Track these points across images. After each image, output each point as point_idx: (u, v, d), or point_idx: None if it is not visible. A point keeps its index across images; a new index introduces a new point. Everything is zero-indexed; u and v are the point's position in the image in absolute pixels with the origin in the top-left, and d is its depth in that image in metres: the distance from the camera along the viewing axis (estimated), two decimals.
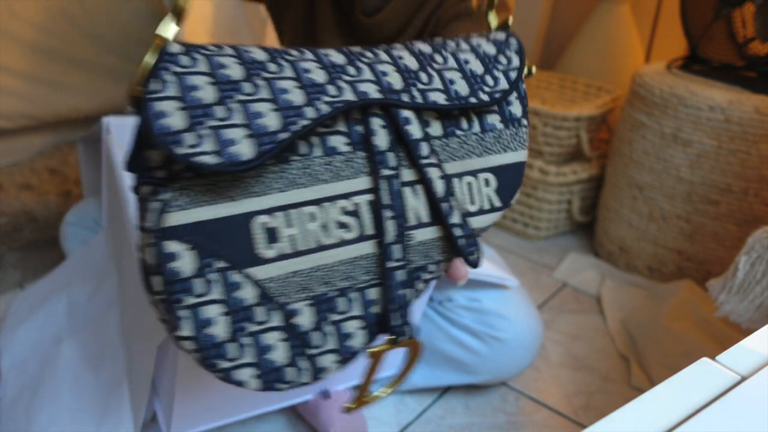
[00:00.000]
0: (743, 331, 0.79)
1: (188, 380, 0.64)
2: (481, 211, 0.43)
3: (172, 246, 0.32)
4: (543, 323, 0.90)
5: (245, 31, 1.43)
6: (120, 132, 0.84)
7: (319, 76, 0.37)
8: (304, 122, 0.35)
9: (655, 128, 1.20)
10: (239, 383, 0.34)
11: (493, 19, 0.48)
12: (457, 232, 0.41)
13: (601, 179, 1.42)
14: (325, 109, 0.36)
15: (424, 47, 0.43)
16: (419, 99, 0.40)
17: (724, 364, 0.36)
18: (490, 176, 0.44)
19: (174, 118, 0.31)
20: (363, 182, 0.38)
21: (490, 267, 0.86)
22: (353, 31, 0.84)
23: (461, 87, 0.42)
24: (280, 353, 0.35)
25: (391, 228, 0.38)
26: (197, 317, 0.33)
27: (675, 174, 1.19)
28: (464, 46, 0.45)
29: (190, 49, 0.34)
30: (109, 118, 0.83)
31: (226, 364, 0.33)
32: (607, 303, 1.18)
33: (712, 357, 0.36)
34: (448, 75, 0.42)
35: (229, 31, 1.34)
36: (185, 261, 0.32)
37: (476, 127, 0.44)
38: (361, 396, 0.42)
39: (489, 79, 0.44)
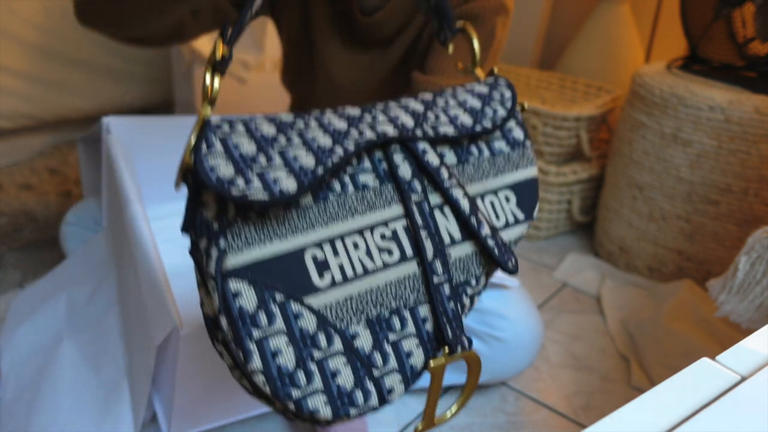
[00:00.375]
0: (743, 331, 0.79)
1: (188, 380, 0.64)
2: (508, 225, 0.47)
3: (234, 285, 0.36)
4: (543, 323, 0.90)
5: (247, 32, 1.43)
6: (120, 132, 0.84)
7: (341, 125, 0.42)
8: (336, 159, 0.39)
9: (655, 128, 1.20)
10: (312, 412, 0.36)
11: (480, 74, 0.53)
12: (490, 242, 0.44)
13: (601, 179, 1.42)
14: (351, 147, 0.40)
15: (425, 96, 0.48)
16: (431, 133, 0.45)
17: (724, 364, 0.36)
18: (509, 192, 0.49)
19: (225, 169, 0.36)
20: (396, 210, 0.42)
21: None
22: (352, 31, 0.84)
23: (465, 119, 0.47)
24: (346, 377, 0.38)
25: (429, 246, 0.42)
26: (266, 349, 0.35)
27: (675, 174, 1.19)
28: (459, 90, 0.50)
29: (227, 119, 0.39)
30: (109, 118, 0.84)
31: (298, 393, 0.36)
32: (607, 303, 1.18)
33: (712, 357, 0.36)
34: (452, 112, 0.47)
35: None
36: (248, 296, 0.36)
37: (486, 153, 0.49)
38: (430, 416, 0.43)
39: (488, 110, 0.49)
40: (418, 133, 0.44)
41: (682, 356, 0.99)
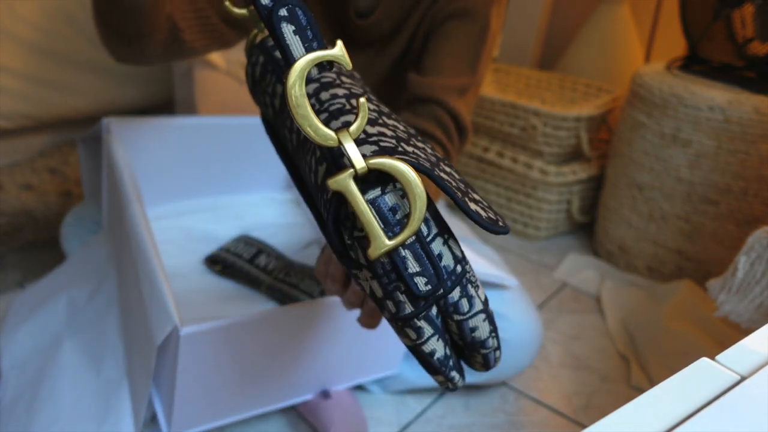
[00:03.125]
0: (743, 331, 0.79)
1: (188, 380, 0.64)
2: None
3: None
4: (543, 323, 0.90)
5: None
6: (120, 132, 0.84)
7: None
8: None
9: (655, 128, 1.20)
10: None
11: None
12: None
13: (601, 179, 1.42)
14: None
15: None
16: None
17: (724, 364, 0.36)
18: None
19: None
20: None
21: (489, 267, 0.86)
22: (348, 32, 0.84)
23: None
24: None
25: None
26: None
27: (675, 174, 1.19)
28: None
29: None
30: (109, 119, 0.83)
31: None
32: (607, 303, 1.18)
33: (712, 357, 0.36)
34: None
35: None
36: None
37: None
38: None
39: None
40: None
41: (681, 356, 0.99)
